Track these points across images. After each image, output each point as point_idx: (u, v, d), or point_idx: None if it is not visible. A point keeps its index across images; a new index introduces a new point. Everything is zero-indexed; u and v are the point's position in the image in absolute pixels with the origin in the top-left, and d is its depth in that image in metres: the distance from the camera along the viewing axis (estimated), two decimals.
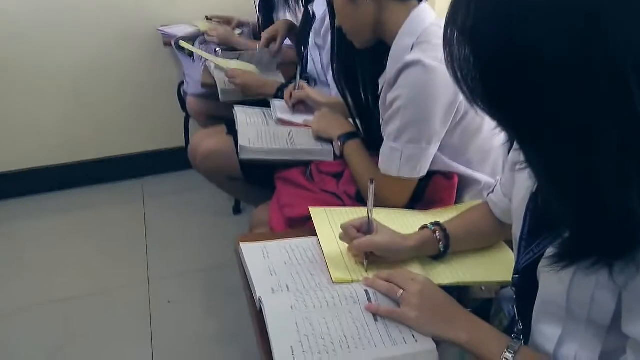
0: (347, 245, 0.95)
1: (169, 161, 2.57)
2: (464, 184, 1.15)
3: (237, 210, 2.32)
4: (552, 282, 0.72)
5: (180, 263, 2.06)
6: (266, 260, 0.92)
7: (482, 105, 0.58)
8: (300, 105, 1.54)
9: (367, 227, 0.94)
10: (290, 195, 1.24)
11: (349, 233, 0.95)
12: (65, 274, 2.00)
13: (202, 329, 1.74)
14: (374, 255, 0.94)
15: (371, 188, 0.90)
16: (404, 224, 1.06)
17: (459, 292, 0.97)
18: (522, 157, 0.86)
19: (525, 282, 0.80)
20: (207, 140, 1.61)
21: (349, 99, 1.32)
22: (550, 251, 0.69)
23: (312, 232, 1.01)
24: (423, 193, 1.14)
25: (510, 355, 0.74)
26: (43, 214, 2.36)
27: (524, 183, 0.82)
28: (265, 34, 1.95)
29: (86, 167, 2.51)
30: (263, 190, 1.46)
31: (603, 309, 0.67)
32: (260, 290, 0.84)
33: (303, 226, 1.11)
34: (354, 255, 0.96)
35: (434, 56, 1.01)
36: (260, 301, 0.81)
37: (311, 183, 1.28)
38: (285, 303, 0.80)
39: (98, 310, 1.84)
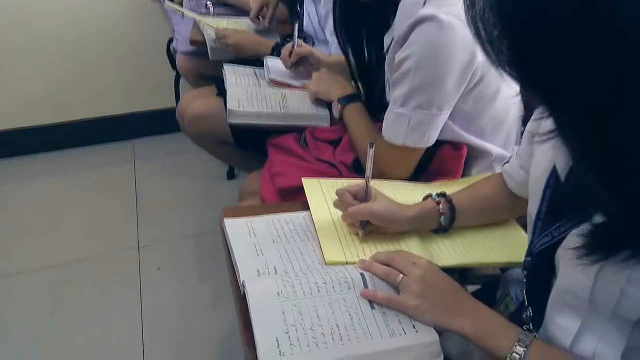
0: (341, 218, 0.86)
1: (161, 122, 2.46)
2: (473, 156, 1.05)
3: (231, 175, 2.23)
4: (574, 271, 0.64)
5: (171, 229, 1.99)
6: (252, 238, 0.82)
7: (509, 68, 0.47)
8: (300, 67, 1.42)
9: (363, 195, 0.84)
10: (282, 163, 1.14)
11: (344, 200, 0.86)
12: (54, 239, 1.94)
13: (192, 296, 1.69)
14: (370, 225, 0.84)
15: (370, 152, 0.80)
16: (405, 196, 0.96)
17: (461, 269, 0.88)
18: (542, 128, 0.77)
19: (540, 267, 0.71)
20: (195, 102, 1.49)
21: (351, 58, 1.20)
22: (575, 239, 0.60)
23: (305, 205, 0.92)
24: (428, 164, 1.04)
25: (522, 350, 0.66)
26: (30, 176, 2.27)
27: (544, 156, 0.72)
28: (255, 5, 1.76)
29: (74, 127, 2.40)
30: (256, 156, 1.36)
31: (634, 303, 0.58)
32: (244, 272, 0.75)
33: (295, 197, 1.01)
34: (349, 225, 0.86)
35: (450, 11, 0.88)
36: (243, 286, 0.72)
37: (305, 151, 1.18)
38: (271, 288, 0.71)
39: (87, 276, 1.78)
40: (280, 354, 0.64)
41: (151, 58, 2.36)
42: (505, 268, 1.09)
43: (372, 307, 0.71)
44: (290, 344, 0.65)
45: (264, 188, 1.11)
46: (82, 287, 1.74)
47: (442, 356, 0.69)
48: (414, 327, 0.70)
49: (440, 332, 0.71)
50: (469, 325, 0.69)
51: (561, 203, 0.68)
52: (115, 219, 2.05)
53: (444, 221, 0.87)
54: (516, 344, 0.66)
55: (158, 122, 2.47)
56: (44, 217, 2.04)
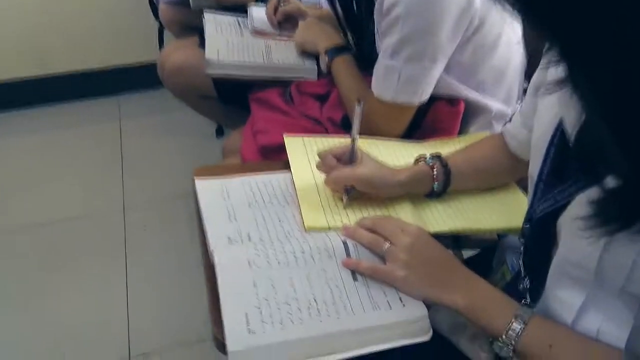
0: (324, 182, 0.78)
1: (148, 77, 2.31)
2: (471, 112, 0.95)
3: (220, 132, 2.12)
4: (579, 240, 0.56)
5: (158, 188, 1.91)
6: (225, 201, 0.74)
7: (517, 7, 0.37)
8: (287, 24, 1.30)
9: (349, 156, 0.76)
10: (265, 119, 1.04)
11: (327, 162, 0.77)
12: (36, 199, 1.86)
13: (179, 257, 1.63)
14: (355, 190, 0.76)
15: (358, 109, 0.71)
16: (396, 156, 0.87)
17: (454, 235, 0.81)
18: (549, 77, 0.67)
19: (539, 234, 0.64)
20: (176, 53, 1.38)
21: (339, 9, 1.09)
22: (581, 205, 0.52)
23: (288, 165, 0.83)
24: (421, 121, 0.94)
25: (519, 326, 0.59)
26: (9, 133, 2.16)
27: (550, 110, 0.63)
28: None
29: (55, 81, 2.27)
30: (241, 112, 1.26)
31: None
32: (214, 239, 0.67)
33: (279, 156, 0.92)
34: (332, 190, 0.78)
35: None
36: (212, 255, 0.64)
37: (290, 106, 1.08)
38: (242, 258, 0.63)
39: (71, 236, 1.72)
40: (249, 331, 0.57)
41: (136, 8, 2.21)
42: (503, 234, 1.02)
43: (355, 279, 0.64)
44: (262, 320, 0.58)
45: (245, 146, 1.02)
46: (65, 247, 1.68)
47: (432, 332, 0.62)
48: (401, 301, 0.63)
49: (429, 305, 0.64)
50: (461, 299, 0.62)
51: (567, 163, 0.59)
52: (101, 177, 1.97)
53: (437, 186, 0.79)
54: (513, 320, 0.59)
55: (145, 77, 2.34)
56: (25, 176, 1.96)
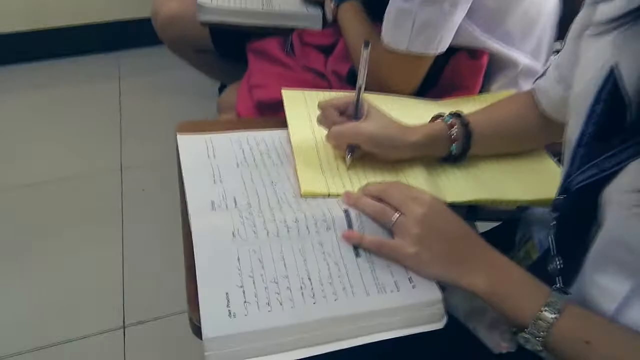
0: (324, 139, 0.67)
1: (149, 34, 2.18)
2: (495, 67, 0.82)
3: (222, 91, 2.00)
4: (630, 218, 0.45)
5: (157, 149, 1.80)
6: (211, 160, 0.63)
7: None
8: None
9: (353, 110, 0.64)
10: (263, 72, 0.92)
11: (328, 115, 0.66)
12: (31, 157, 1.76)
13: (176, 222, 1.51)
14: (360, 150, 0.65)
15: (364, 53, 0.59)
16: (408, 116, 0.75)
17: (469, 205, 0.70)
18: (600, 15, 0.55)
19: (577, 208, 0.53)
20: (170, 1, 1.25)
21: None
22: (636, 175, 0.41)
23: (285, 123, 0.72)
24: (438, 76, 0.82)
25: (552, 316, 0.49)
26: (7, 90, 2.05)
27: (598, 59, 0.51)
28: None
29: (51, 35, 2.14)
30: (241, 68, 1.14)
31: None
32: (195, 204, 0.57)
33: (277, 114, 0.81)
34: (333, 147, 0.67)
35: None
36: (190, 222, 0.54)
37: (291, 58, 0.96)
38: (225, 227, 0.53)
39: (67, 197, 1.63)
40: (229, 314, 0.47)
41: None
42: (523, 206, 0.91)
43: (357, 255, 0.53)
44: (245, 301, 0.48)
45: (240, 101, 0.91)
46: (61, 208, 1.59)
47: (446, 318, 0.52)
48: (411, 282, 0.52)
49: (443, 287, 0.54)
50: (482, 281, 0.52)
51: (618, 123, 0.48)
52: (98, 137, 1.87)
53: (456, 149, 0.67)
54: (543, 308, 0.49)
55: (145, 33, 2.19)
56: (20, 134, 1.86)
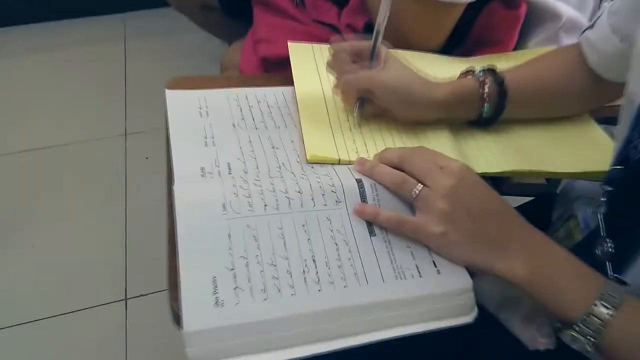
0: (332, 88, 0.57)
1: None
2: (533, 18, 0.71)
3: None
4: None
5: (162, 116, 1.70)
6: (203, 119, 0.54)
7: None
8: None
9: (369, 56, 0.54)
10: (269, 26, 0.82)
11: (339, 60, 0.56)
12: (34, 121, 1.68)
13: None
14: (372, 105, 0.55)
15: None
16: (434, 73, 0.65)
17: (493, 177, 0.60)
18: None
19: (637, 181, 0.43)
20: None
21: None
22: None
23: (290, 81, 0.62)
24: (468, 29, 0.71)
25: (608, 312, 0.39)
26: (10, 51, 1.96)
27: None
28: None
29: None
30: (248, 25, 1.03)
31: None
32: (182, 170, 0.48)
33: (284, 71, 0.71)
34: (342, 99, 0.57)
35: None
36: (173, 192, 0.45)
37: (301, 11, 0.85)
38: (216, 197, 0.44)
39: (70, 162, 1.56)
40: (216, 302, 0.38)
41: None
42: (554, 180, 0.81)
43: (372, 233, 0.44)
44: (236, 287, 0.39)
45: (244, 58, 0.81)
46: (64, 173, 1.52)
47: (476, 311, 0.43)
48: (435, 266, 0.43)
49: (472, 273, 0.45)
50: (521, 268, 0.43)
51: None
52: (102, 102, 1.78)
53: (488, 110, 0.57)
54: (597, 301, 0.40)
55: None
56: (23, 97, 1.77)
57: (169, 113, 0.54)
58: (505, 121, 0.59)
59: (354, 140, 0.53)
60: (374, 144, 0.53)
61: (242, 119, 0.55)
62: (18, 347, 1.15)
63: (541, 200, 0.68)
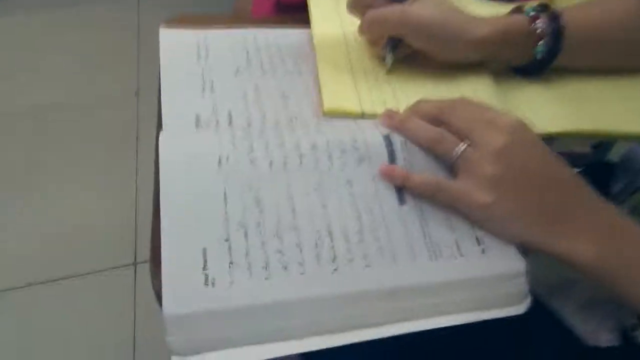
0: (357, 30, 0.47)
1: None
2: None
3: None
4: None
5: None
6: (201, 62, 0.45)
7: None
8: None
9: None
10: None
11: None
12: (47, 80, 1.61)
13: None
14: (405, 47, 0.46)
15: None
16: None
17: None
18: None
19: None
20: None
21: None
22: None
23: (306, 22, 0.52)
24: None
25: None
26: (19, 10, 1.88)
27: None
28: None
29: None
30: None
31: None
32: (173, 118, 0.39)
33: (299, 15, 0.61)
34: (369, 37, 0.48)
35: None
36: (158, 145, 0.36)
37: None
38: (211, 150, 0.35)
39: (80, 122, 1.49)
40: (206, 281, 0.30)
41: None
42: (600, 143, 0.70)
43: (401, 201, 0.35)
44: (231, 262, 0.31)
45: (256, 2, 0.71)
46: (74, 133, 1.46)
47: (530, 299, 0.35)
48: (479, 244, 0.35)
49: (525, 251, 0.36)
50: (588, 249, 0.34)
51: None
52: (115, 61, 1.70)
53: (542, 51, 0.46)
54: None
55: None
56: (32, 56, 1.71)
57: (161, 55, 0.45)
58: (559, 71, 0.48)
59: (381, 91, 0.44)
60: (405, 95, 0.44)
61: (248, 64, 0.46)
62: (24, 309, 1.11)
63: (594, 172, 0.58)
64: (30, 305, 1.12)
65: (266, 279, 0.31)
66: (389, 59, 0.44)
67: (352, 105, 0.42)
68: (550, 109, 0.46)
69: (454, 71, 0.46)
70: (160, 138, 0.35)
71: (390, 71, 0.45)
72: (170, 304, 0.29)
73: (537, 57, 0.46)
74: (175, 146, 0.35)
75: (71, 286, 1.16)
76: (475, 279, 0.33)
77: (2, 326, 1.08)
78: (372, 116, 0.42)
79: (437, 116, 0.38)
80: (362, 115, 0.42)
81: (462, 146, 0.36)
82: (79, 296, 1.14)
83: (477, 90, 0.45)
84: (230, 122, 0.39)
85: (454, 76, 0.46)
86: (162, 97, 0.41)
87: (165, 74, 0.43)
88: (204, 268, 0.31)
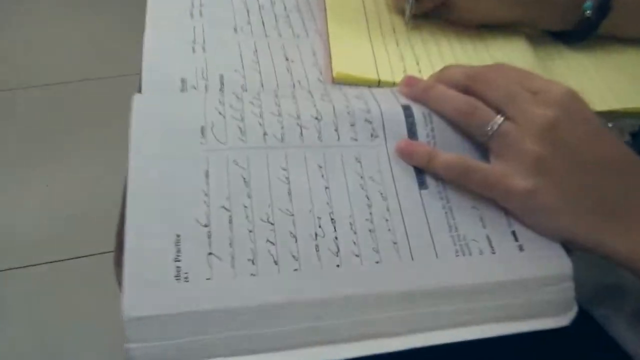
0: None
1: None
2: None
3: None
4: None
5: None
6: (195, 19, 0.38)
7: None
8: None
9: None
10: None
11: None
12: (50, 56, 1.57)
13: None
14: (428, 1, 0.38)
15: None
16: None
17: None
18: None
19: None
20: None
21: None
22: None
23: None
24: None
25: None
26: None
27: None
28: None
29: None
30: None
31: None
32: (153, 79, 0.33)
33: None
34: None
35: None
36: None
37: None
38: (192, 118, 0.29)
39: (90, 98, 1.46)
40: (178, 274, 0.24)
41: None
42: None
43: (422, 185, 0.29)
44: (210, 252, 0.25)
45: None
46: (80, 111, 1.42)
47: (576, 308, 0.28)
48: (516, 239, 0.28)
49: (567, 250, 0.29)
50: None
51: None
52: (125, 39, 1.65)
53: (590, 10, 0.39)
54: None
55: None
56: (37, 32, 1.67)
57: (147, 11, 0.39)
58: (605, 39, 0.41)
59: (401, 53, 0.37)
60: (429, 60, 0.37)
61: (248, 22, 0.39)
62: (27, 289, 1.08)
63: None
64: (33, 285, 1.09)
65: (252, 275, 0.25)
66: (409, 9, 0.37)
67: (366, 72, 0.35)
68: (597, 79, 0.39)
69: (486, 34, 0.39)
70: (133, 103, 0.29)
71: (412, 26, 0.38)
72: (132, 303, 0.23)
73: (586, 15, 0.38)
74: (152, 111, 0.29)
75: (78, 267, 1.13)
76: (510, 282, 0.27)
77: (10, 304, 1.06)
78: (390, 85, 0.35)
79: (469, 85, 0.31)
80: (379, 84, 0.35)
81: (499, 119, 0.29)
82: (83, 277, 1.10)
83: (514, 58, 0.38)
84: (221, 86, 0.33)
85: (486, 41, 0.39)
86: (144, 55, 0.34)
87: (150, 30, 0.37)
88: (176, 259, 0.25)
